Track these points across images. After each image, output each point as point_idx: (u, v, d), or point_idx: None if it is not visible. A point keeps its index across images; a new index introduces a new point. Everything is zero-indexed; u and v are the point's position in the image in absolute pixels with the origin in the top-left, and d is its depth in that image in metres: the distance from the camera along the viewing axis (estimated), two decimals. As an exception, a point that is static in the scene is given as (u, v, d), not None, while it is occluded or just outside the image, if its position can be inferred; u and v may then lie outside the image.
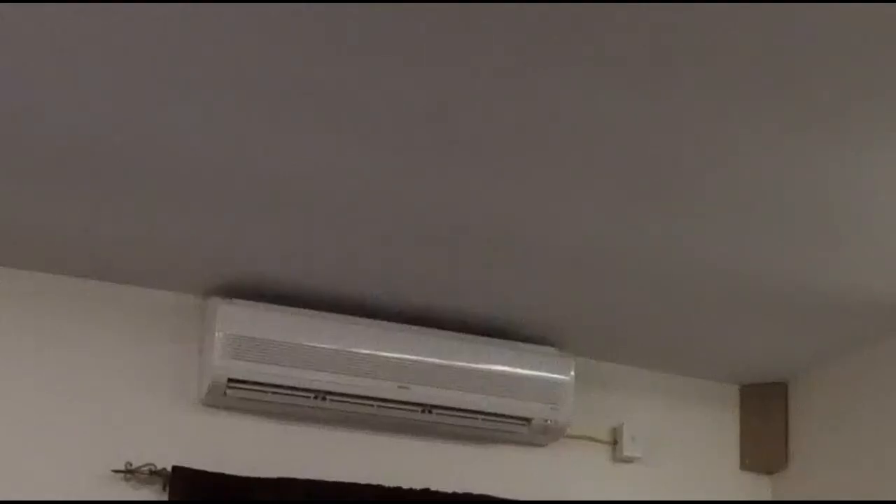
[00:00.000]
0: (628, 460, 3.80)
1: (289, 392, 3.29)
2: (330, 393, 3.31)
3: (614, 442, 3.81)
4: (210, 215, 2.92)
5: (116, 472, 3.20)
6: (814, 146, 2.49)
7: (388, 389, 3.35)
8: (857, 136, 2.44)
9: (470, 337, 3.49)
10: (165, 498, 3.22)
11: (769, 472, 3.95)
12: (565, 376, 3.55)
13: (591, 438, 3.77)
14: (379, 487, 3.38)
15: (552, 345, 3.62)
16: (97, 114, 2.45)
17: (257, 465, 3.30)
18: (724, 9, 2.01)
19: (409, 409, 3.40)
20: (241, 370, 3.23)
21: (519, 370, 3.49)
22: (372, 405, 3.37)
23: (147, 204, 2.86)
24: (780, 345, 3.67)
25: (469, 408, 3.45)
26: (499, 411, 3.48)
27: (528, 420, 3.52)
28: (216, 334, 3.22)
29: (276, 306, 3.31)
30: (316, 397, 3.31)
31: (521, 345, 3.55)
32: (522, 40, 2.14)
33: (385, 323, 3.41)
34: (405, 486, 3.42)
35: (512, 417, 3.50)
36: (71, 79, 2.32)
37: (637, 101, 2.34)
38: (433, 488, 3.45)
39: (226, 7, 2.06)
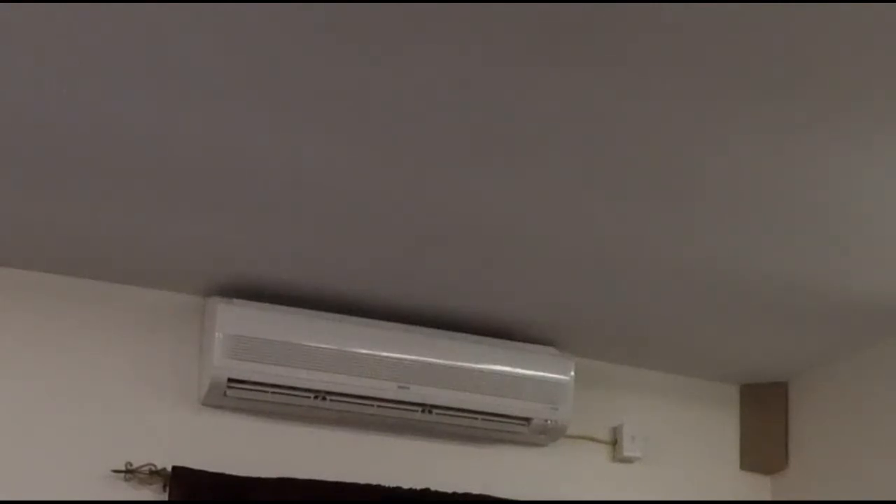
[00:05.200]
0: (628, 460, 3.80)
1: (289, 392, 3.29)
2: (330, 393, 3.31)
3: (614, 442, 3.81)
4: (210, 215, 2.92)
5: (116, 472, 3.20)
6: (814, 146, 2.49)
7: (388, 389, 3.35)
8: (856, 136, 2.44)
9: (470, 337, 3.49)
10: (165, 498, 3.22)
11: (769, 472, 3.95)
12: (565, 376, 3.55)
13: (591, 438, 3.77)
14: (379, 487, 3.38)
15: (552, 345, 3.62)
16: (98, 114, 2.45)
17: (257, 465, 3.30)
18: (726, 9, 2.01)
19: (409, 409, 3.40)
20: (241, 370, 3.23)
21: (519, 370, 3.49)
22: (372, 405, 3.37)
23: (147, 204, 2.87)
24: (780, 345, 3.67)
25: (469, 408, 3.45)
26: (499, 411, 3.48)
27: (528, 420, 3.52)
28: (216, 334, 3.22)
29: (276, 306, 3.31)
30: (316, 397, 3.31)
31: (521, 345, 3.55)
32: (524, 40, 2.14)
33: (385, 323, 3.41)
34: (405, 486, 3.42)
35: (512, 417, 3.50)
36: (71, 79, 2.32)
37: (637, 103, 2.34)
38: (433, 488, 3.45)
39: (226, 8, 2.06)
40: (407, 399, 3.38)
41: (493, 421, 3.49)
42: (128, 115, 2.45)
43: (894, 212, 2.76)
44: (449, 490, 3.48)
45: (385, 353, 3.36)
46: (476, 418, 3.47)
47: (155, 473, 3.22)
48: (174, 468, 3.22)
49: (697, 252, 3.03)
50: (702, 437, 3.94)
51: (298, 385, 3.28)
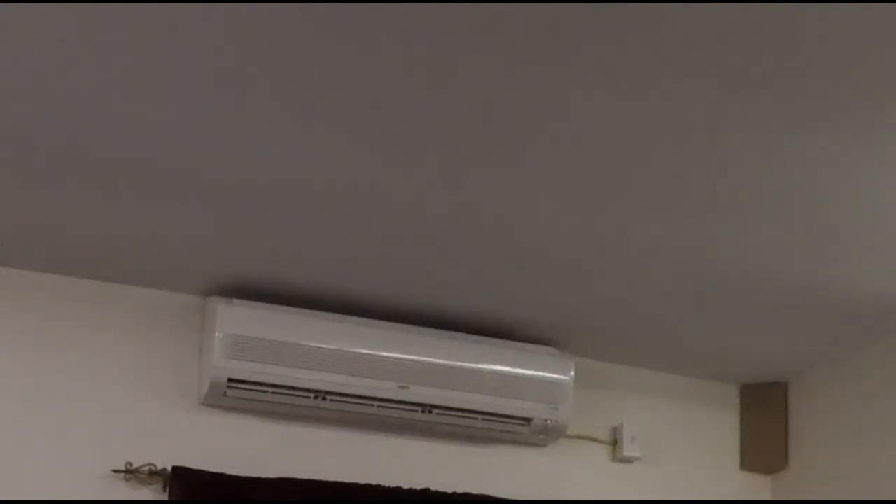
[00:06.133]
0: (628, 460, 3.80)
1: (289, 392, 3.29)
2: (330, 393, 3.31)
3: (614, 442, 3.81)
4: (210, 215, 2.92)
5: (116, 472, 3.20)
6: (814, 146, 2.49)
7: (388, 389, 3.35)
8: (857, 137, 2.44)
9: (470, 337, 3.49)
10: (165, 498, 3.22)
11: (769, 472, 3.95)
12: (565, 376, 3.55)
13: (591, 438, 3.77)
14: (379, 487, 3.38)
15: (552, 345, 3.62)
16: (97, 113, 2.45)
17: (257, 465, 3.30)
18: (726, 9, 2.01)
19: (409, 409, 3.40)
20: (241, 370, 3.23)
21: (519, 370, 3.49)
22: (372, 405, 3.37)
23: (147, 203, 2.87)
24: (780, 345, 3.67)
25: (469, 408, 3.45)
26: (499, 411, 3.48)
27: (528, 420, 3.52)
28: (216, 334, 3.22)
29: (276, 306, 3.31)
30: (316, 397, 3.31)
31: (521, 345, 3.55)
32: (523, 41, 2.14)
33: (385, 323, 3.41)
34: (405, 486, 3.42)
35: (512, 417, 3.50)
36: (71, 78, 2.32)
37: (637, 102, 2.34)
38: (433, 488, 3.45)
39: (227, 7, 2.06)
40: (407, 399, 3.38)
41: (493, 421, 3.49)
42: (128, 115, 2.45)
43: (894, 212, 2.76)
44: (449, 490, 3.48)
45: (385, 353, 3.36)
46: (476, 418, 3.47)
47: (155, 473, 3.22)
48: (174, 468, 3.22)
49: (697, 252, 3.03)
50: (702, 437, 3.94)
51: (298, 385, 3.28)
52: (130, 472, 3.20)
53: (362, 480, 3.38)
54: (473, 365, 3.44)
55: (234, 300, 3.29)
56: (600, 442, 3.80)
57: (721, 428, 3.98)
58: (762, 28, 2.07)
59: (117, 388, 3.29)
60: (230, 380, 3.23)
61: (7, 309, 3.23)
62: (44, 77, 2.32)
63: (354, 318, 3.37)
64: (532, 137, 2.50)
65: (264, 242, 3.08)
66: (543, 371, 3.53)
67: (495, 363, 3.47)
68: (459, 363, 3.43)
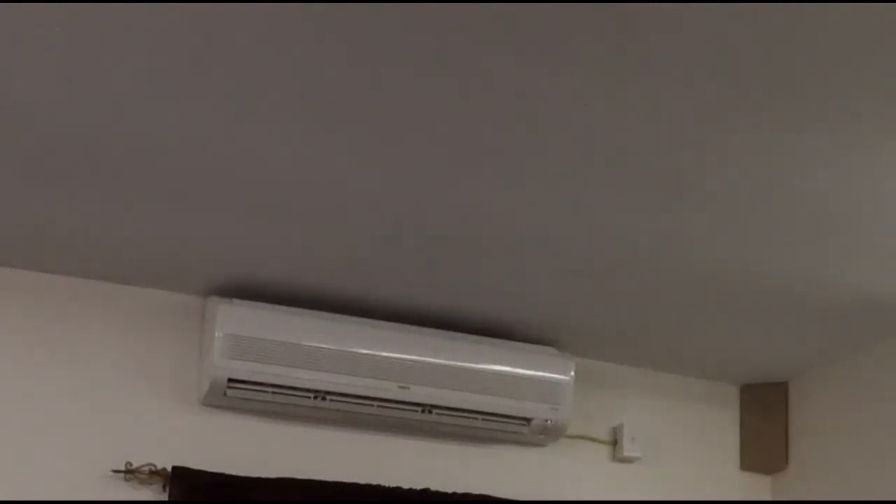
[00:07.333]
0: (628, 460, 3.80)
1: (289, 392, 3.29)
2: (330, 393, 3.31)
3: (614, 442, 3.81)
4: (210, 215, 2.92)
5: (116, 472, 3.20)
6: (814, 146, 2.49)
7: (388, 389, 3.35)
8: (857, 136, 2.44)
9: (470, 337, 3.49)
10: (165, 498, 3.22)
11: (769, 472, 3.95)
12: (565, 376, 3.55)
13: (590, 438, 3.77)
14: (379, 487, 3.38)
15: (552, 345, 3.62)
16: (98, 114, 2.45)
17: (257, 465, 3.30)
18: (725, 9, 2.01)
19: (409, 409, 3.40)
20: (241, 370, 3.23)
21: (519, 370, 3.49)
22: (372, 405, 3.37)
23: (147, 204, 2.87)
24: (780, 345, 3.66)
25: (469, 408, 3.45)
26: (499, 411, 3.48)
27: (528, 420, 3.52)
28: (216, 334, 3.22)
29: (276, 306, 3.31)
30: (316, 397, 3.31)
31: (521, 345, 3.55)
32: (522, 42, 2.14)
33: (385, 323, 3.41)
34: (405, 486, 3.42)
35: (512, 417, 3.50)
36: (71, 79, 2.32)
37: (638, 102, 2.34)
38: (433, 488, 3.45)
39: (227, 8, 2.06)
40: (407, 399, 3.38)
41: (493, 421, 3.49)
42: (128, 116, 2.45)
43: (894, 212, 2.76)
44: (449, 490, 3.48)
45: (385, 353, 3.36)
46: (476, 418, 3.47)
47: (155, 473, 3.22)
48: (174, 468, 3.22)
49: (698, 252, 3.03)
50: (702, 437, 3.94)
51: (298, 385, 3.28)
52: (130, 472, 3.20)
53: (362, 480, 3.38)
54: (473, 365, 3.44)
55: (234, 300, 3.29)
56: (600, 442, 3.80)
57: (721, 428, 3.98)
58: (762, 28, 2.07)
59: (117, 388, 3.29)
60: (230, 380, 3.23)
61: (7, 309, 3.23)
62: (45, 79, 2.32)
63: (354, 318, 3.37)
64: (531, 138, 2.50)
65: (264, 242, 3.08)
66: (543, 371, 3.53)
67: (495, 363, 3.47)
68: (459, 363, 3.43)
